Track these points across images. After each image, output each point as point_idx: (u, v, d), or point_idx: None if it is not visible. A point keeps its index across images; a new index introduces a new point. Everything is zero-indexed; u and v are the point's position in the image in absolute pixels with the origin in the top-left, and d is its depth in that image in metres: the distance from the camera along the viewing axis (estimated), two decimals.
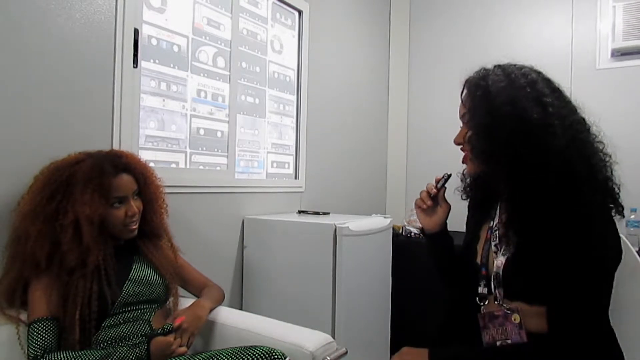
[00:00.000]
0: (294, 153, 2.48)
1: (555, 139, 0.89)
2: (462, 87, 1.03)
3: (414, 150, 3.22)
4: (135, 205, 1.28)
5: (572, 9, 2.65)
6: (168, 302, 1.38)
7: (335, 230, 1.80)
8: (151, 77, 1.74)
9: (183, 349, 1.17)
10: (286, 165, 2.45)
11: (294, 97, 2.47)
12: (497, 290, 1.01)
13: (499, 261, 1.00)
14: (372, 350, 2.03)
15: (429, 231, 1.18)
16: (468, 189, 1.16)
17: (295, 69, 2.47)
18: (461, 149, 1.05)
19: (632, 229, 2.24)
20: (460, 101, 1.04)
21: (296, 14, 2.47)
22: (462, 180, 1.16)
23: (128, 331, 1.21)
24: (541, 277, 0.92)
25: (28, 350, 1.09)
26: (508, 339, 0.98)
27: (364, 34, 3.04)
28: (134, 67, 1.60)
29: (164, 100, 1.80)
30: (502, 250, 1.01)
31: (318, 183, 2.57)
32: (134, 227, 1.29)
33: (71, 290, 1.14)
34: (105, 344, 1.17)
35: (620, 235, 0.98)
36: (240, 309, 2.01)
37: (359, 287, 1.92)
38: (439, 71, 3.10)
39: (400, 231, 2.66)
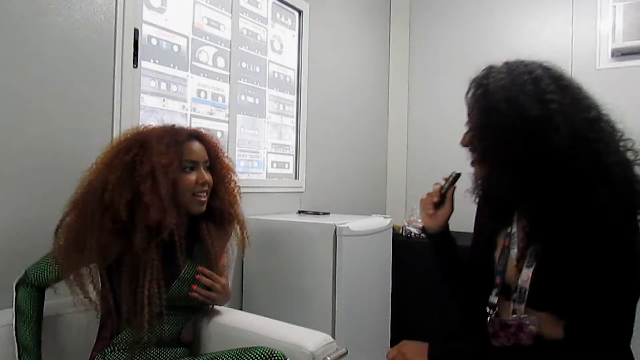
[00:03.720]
0: (294, 153, 2.48)
1: (559, 136, 0.82)
2: (467, 87, 0.98)
3: (414, 150, 3.22)
4: (207, 175, 1.24)
5: (572, 8, 2.65)
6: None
7: (335, 230, 1.80)
8: (151, 77, 1.74)
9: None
10: (286, 165, 2.45)
11: (294, 97, 2.46)
12: (516, 303, 0.95)
13: (525, 275, 0.93)
14: (372, 350, 2.03)
15: (430, 230, 1.13)
16: (480, 191, 1.08)
17: (295, 69, 2.47)
18: (469, 150, 1.00)
19: None
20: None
21: (296, 14, 2.47)
22: (473, 182, 1.08)
23: (158, 337, 1.19)
24: (569, 291, 0.87)
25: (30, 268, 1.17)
26: None
27: (364, 34, 3.04)
28: (134, 67, 1.60)
29: (164, 100, 1.80)
30: (526, 262, 0.94)
31: (318, 183, 2.57)
32: (204, 198, 1.23)
33: (142, 262, 1.11)
34: (124, 345, 1.15)
35: None
36: (241, 309, 2.01)
37: (359, 287, 1.92)
38: (439, 71, 3.10)
39: (400, 231, 2.66)
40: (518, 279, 0.95)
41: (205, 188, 1.23)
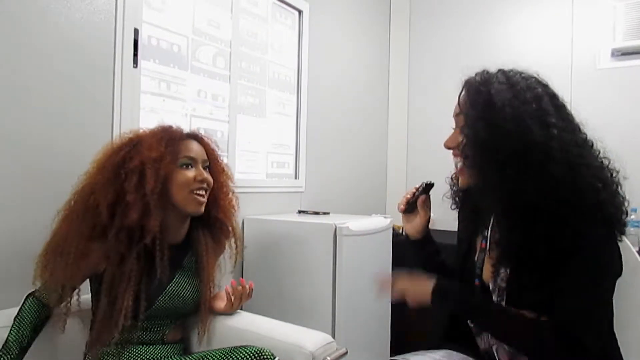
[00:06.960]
0: (294, 153, 2.48)
1: (555, 164, 0.84)
2: (460, 87, 0.97)
3: (414, 150, 3.22)
4: (207, 174, 1.20)
5: (572, 8, 2.65)
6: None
7: (335, 230, 1.80)
8: (151, 77, 1.74)
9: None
10: (286, 165, 2.45)
11: (294, 97, 2.46)
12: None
13: (502, 275, 0.96)
14: (372, 350, 2.03)
15: (411, 237, 1.18)
16: (457, 198, 1.10)
17: (295, 69, 2.47)
18: (453, 154, 1.00)
19: (632, 229, 2.23)
20: (456, 101, 0.98)
21: (296, 14, 2.47)
22: (451, 187, 1.10)
23: (139, 338, 1.16)
24: (544, 291, 0.89)
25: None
26: None
27: (364, 34, 3.04)
28: (134, 67, 1.60)
29: (164, 100, 1.80)
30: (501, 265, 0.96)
31: (318, 183, 2.57)
32: (203, 197, 1.18)
33: (121, 273, 1.07)
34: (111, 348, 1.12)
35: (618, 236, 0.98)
36: (240, 308, 2.00)
37: (359, 287, 1.92)
38: (439, 71, 3.10)
39: (400, 231, 2.65)
40: (496, 280, 0.97)
41: (204, 186, 1.19)
